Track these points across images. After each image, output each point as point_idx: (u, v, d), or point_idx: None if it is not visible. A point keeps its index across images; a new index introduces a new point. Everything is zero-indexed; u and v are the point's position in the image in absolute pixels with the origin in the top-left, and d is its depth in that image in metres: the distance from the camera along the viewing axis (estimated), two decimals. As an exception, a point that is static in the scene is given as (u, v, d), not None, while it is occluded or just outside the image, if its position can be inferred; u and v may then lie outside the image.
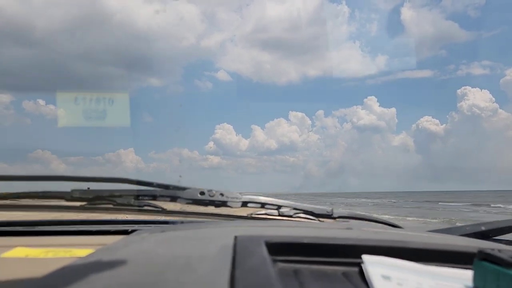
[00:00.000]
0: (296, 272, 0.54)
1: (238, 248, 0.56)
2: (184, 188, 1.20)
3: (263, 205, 1.26)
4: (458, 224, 1.29)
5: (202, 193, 1.19)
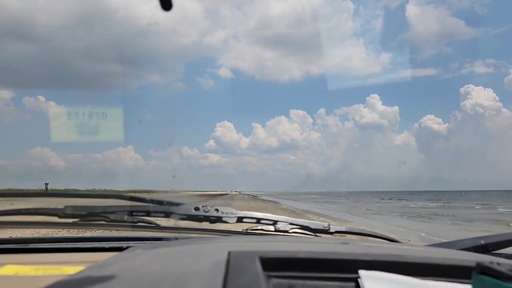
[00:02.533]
0: None
1: (231, 264, 0.55)
2: (178, 204, 1.18)
3: (258, 220, 1.24)
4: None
5: (196, 208, 1.18)
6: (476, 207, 29.21)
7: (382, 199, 51.96)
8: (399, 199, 49.11)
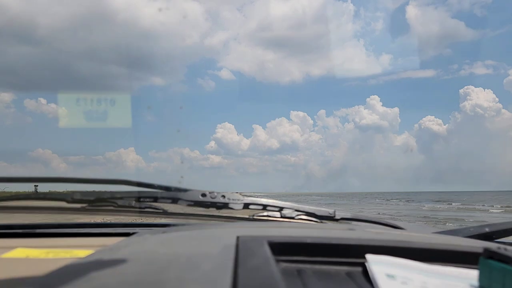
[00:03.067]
0: (299, 272, 0.54)
1: (241, 248, 0.56)
2: (185, 190, 1.19)
3: (264, 206, 1.25)
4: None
5: (203, 194, 1.19)
6: (496, 211, 26.70)
7: (388, 200, 49.69)
8: (407, 201, 46.47)
